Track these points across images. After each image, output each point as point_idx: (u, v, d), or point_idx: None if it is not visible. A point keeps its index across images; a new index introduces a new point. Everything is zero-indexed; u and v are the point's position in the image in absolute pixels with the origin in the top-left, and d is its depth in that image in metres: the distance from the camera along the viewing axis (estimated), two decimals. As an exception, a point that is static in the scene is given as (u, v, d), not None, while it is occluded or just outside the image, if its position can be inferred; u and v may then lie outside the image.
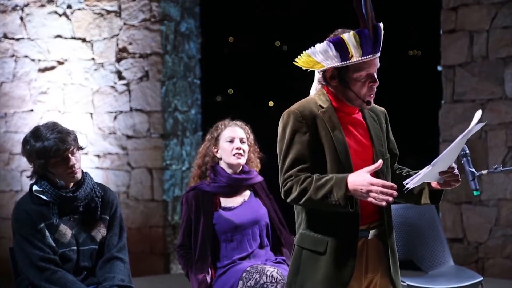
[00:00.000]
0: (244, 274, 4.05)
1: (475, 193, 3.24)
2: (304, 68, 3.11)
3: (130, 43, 7.47)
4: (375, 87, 3.06)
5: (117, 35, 7.51)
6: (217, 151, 4.31)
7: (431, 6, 7.68)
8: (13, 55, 7.69)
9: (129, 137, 7.50)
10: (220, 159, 4.31)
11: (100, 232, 3.79)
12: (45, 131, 3.66)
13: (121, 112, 7.52)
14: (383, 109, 3.27)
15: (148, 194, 7.46)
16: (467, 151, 3.28)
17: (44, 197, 3.69)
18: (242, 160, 4.29)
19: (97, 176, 7.29)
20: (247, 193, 4.35)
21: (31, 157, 3.68)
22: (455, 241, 6.80)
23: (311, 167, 3.01)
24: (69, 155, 3.66)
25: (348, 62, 3.00)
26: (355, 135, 3.11)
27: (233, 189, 4.30)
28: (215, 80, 10.77)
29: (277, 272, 4.00)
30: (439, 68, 7.19)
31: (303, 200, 2.96)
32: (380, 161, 2.94)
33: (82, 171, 3.77)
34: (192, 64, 7.87)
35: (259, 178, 4.40)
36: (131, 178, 7.49)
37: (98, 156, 7.55)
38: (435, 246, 5.03)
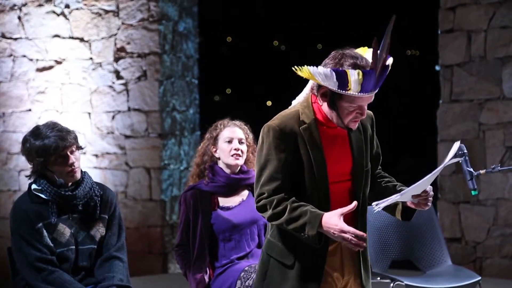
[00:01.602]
0: (242, 273, 4.05)
1: (473, 192, 3.24)
2: (300, 76, 3.10)
3: (128, 43, 7.47)
4: (360, 118, 3.06)
5: (115, 34, 7.51)
6: (215, 151, 4.31)
7: (429, 5, 7.68)
8: (11, 55, 7.69)
9: (127, 136, 7.50)
10: (219, 158, 4.31)
11: (99, 231, 3.79)
12: (45, 129, 3.67)
13: (119, 111, 7.52)
14: (370, 112, 3.24)
15: (146, 193, 7.46)
16: (465, 151, 3.28)
17: (43, 196, 3.69)
18: (240, 161, 4.28)
19: (95, 176, 7.29)
20: (245, 192, 4.35)
21: (31, 156, 3.68)
22: (453, 241, 6.80)
23: (286, 184, 3.04)
24: (69, 153, 3.65)
25: (344, 92, 2.98)
26: (336, 148, 3.12)
27: (231, 188, 4.30)
28: (213, 80, 10.77)
29: (275, 272, 4.00)
30: (437, 67, 7.20)
31: (274, 222, 3.06)
32: (354, 203, 2.97)
33: (81, 170, 3.77)
34: (190, 63, 7.87)
35: (257, 178, 4.39)
36: (129, 177, 7.49)
37: (96, 155, 7.55)
38: (433, 246, 5.03)
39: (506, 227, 6.65)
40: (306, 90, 3.20)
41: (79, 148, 3.72)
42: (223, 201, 4.28)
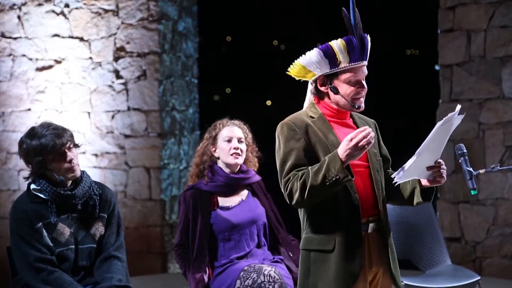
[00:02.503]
0: (242, 273, 4.05)
1: (472, 192, 3.25)
2: (297, 79, 3.26)
3: (128, 42, 7.47)
4: (363, 92, 3.20)
5: (115, 34, 7.51)
6: (215, 150, 4.31)
7: (429, 5, 7.68)
8: (10, 54, 7.68)
9: (126, 136, 7.50)
10: (218, 158, 4.31)
11: (99, 230, 3.79)
12: (40, 129, 3.68)
13: (118, 111, 7.51)
14: (373, 120, 3.40)
15: (146, 193, 7.46)
16: (465, 151, 3.30)
17: (42, 196, 3.68)
18: (240, 160, 4.28)
19: (95, 175, 7.29)
20: (245, 192, 4.35)
21: (29, 157, 3.67)
22: (452, 241, 6.80)
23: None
24: (66, 150, 3.66)
25: (336, 68, 3.16)
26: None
27: (230, 188, 4.30)
28: (213, 79, 10.76)
29: (274, 272, 4.00)
30: (437, 67, 7.20)
31: (306, 192, 3.05)
32: (366, 127, 3.06)
33: (80, 169, 3.77)
34: (189, 63, 7.87)
35: (257, 178, 4.39)
36: (128, 177, 7.49)
37: (96, 155, 7.54)
38: (432, 246, 5.03)
39: (505, 226, 6.65)
40: (307, 99, 3.31)
41: (76, 145, 3.73)
42: (222, 201, 4.28)
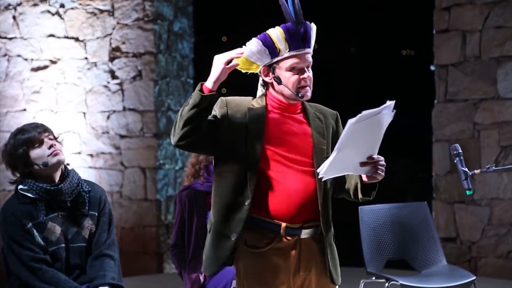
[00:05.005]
0: (237, 273, 4.05)
1: (467, 192, 3.25)
2: (243, 71, 3.17)
3: (123, 43, 7.46)
4: (307, 80, 3.07)
5: (110, 34, 7.50)
6: (210, 151, 4.30)
7: (424, 5, 7.69)
8: (5, 54, 7.68)
9: (122, 136, 7.49)
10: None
11: (89, 228, 3.77)
12: (16, 131, 3.77)
13: (114, 111, 7.51)
14: (335, 111, 3.25)
15: (141, 193, 7.46)
16: (460, 151, 3.30)
17: (30, 195, 3.69)
18: (236, 160, 4.28)
19: (90, 176, 7.28)
20: (240, 192, 4.34)
21: (12, 157, 3.71)
22: (448, 241, 6.81)
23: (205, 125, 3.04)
24: (45, 138, 3.70)
25: (277, 57, 3.06)
26: (293, 131, 3.10)
27: (226, 188, 4.29)
28: (208, 80, 10.79)
29: (270, 272, 4.00)
30: (432, 67, 7.21)
31: (176, 127, 2.99)
32: (239, 50, 3.04)
33: (66, 166, 3.77)
34: (185, 63, 7.87)
35: (252, 178, 4.38)
36: (124, 177, 7.48)
37: (91, 155, 7.54)
38: (428, 246, 5.04)
39: (500, 226, 6.66)
40: (258, 93, 3.22)
41: (56, 138, 3.76)
42: (218, 201, 4.27)
